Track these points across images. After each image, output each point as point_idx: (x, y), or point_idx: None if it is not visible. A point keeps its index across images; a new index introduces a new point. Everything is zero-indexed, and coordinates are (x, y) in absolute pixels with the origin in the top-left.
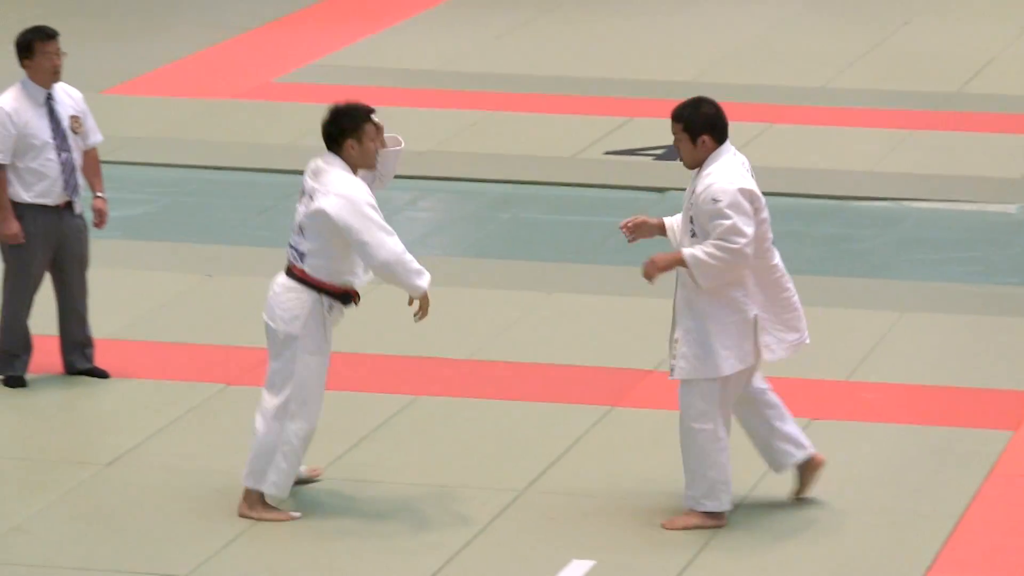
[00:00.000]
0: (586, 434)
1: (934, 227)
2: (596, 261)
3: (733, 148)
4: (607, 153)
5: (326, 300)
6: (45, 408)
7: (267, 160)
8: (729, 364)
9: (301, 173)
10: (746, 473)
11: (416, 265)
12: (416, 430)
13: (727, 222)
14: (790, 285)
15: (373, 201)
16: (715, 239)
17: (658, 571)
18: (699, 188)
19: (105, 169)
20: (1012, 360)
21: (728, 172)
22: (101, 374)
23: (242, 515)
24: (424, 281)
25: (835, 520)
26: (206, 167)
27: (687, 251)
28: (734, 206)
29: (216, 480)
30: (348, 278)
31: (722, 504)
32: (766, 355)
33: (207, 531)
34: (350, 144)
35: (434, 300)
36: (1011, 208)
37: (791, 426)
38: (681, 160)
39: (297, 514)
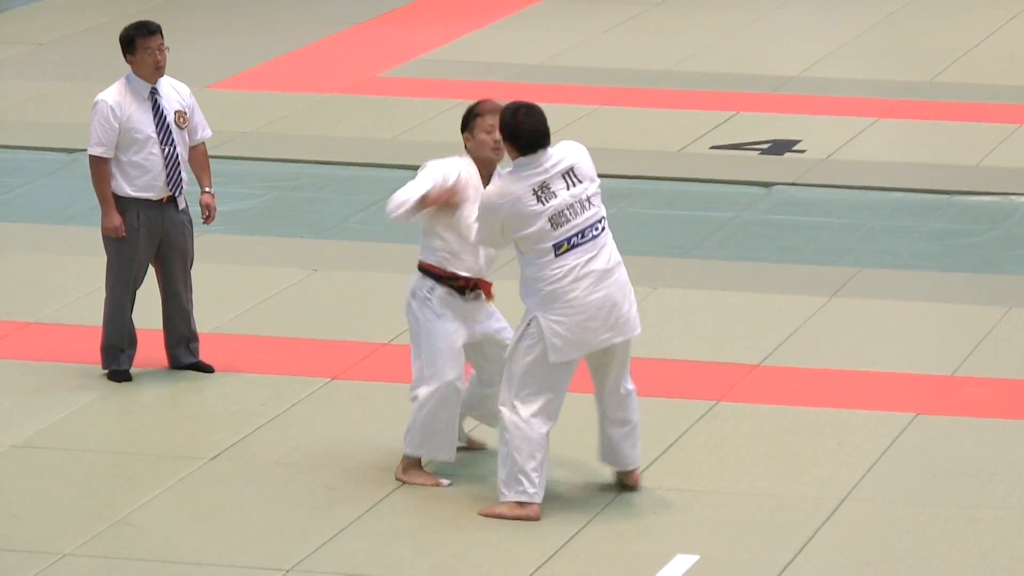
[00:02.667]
0: (691, 428)
1: None
2: (701, 256)
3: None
4: (713, 148)
5: (427, 281)
6: (151, 403)
7: (372, 155)
8: None
9: (407, 168)
10: (850, 469)
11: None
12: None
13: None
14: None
15: (439, 172)
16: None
17: (763, 566)
18: None
19: (212, 164)
20: None
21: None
22: (206, 368)
23: (397, 478)
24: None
25: (939, 514)
26: (311, 162)
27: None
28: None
29: (322, 475)
30: (442, 256)
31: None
32: None
33: (311, 526)
34: (465, 137)
35: None
36: None
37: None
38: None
39: (446, 481)
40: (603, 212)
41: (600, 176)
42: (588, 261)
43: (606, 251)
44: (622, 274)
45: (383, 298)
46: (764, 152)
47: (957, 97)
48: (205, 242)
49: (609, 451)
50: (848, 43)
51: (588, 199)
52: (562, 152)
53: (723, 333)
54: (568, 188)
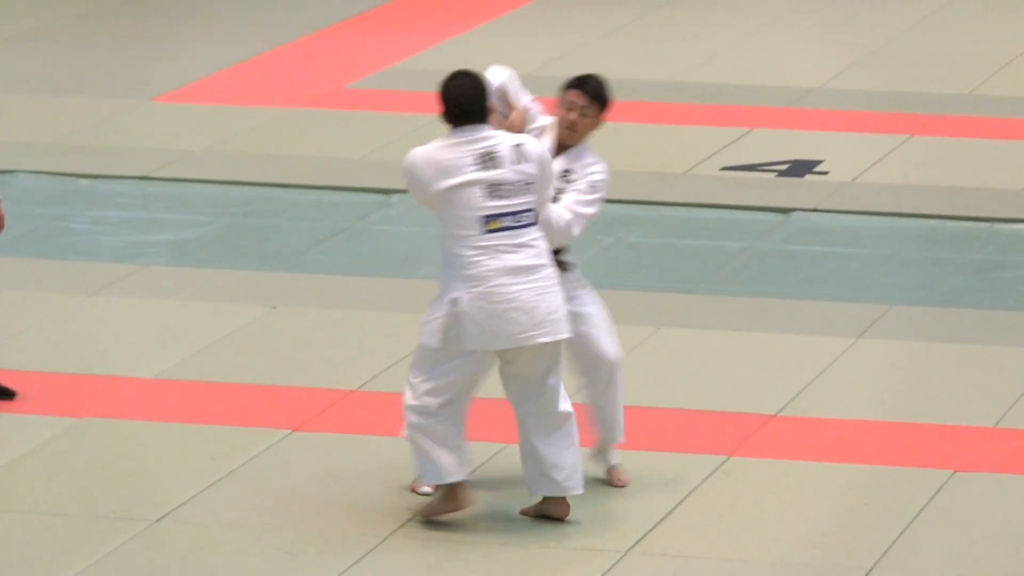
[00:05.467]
0: (699, 487)
1: None
2: (710, 291)
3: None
4: (724, 169)
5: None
6: (87, 457)
7: (338, 177)
8: None
9: (377, 191)
10: (880, 534)
11: None
12: (501, 482)
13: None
14: None
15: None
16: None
17: None
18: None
19: (155, 186)
20: None
21: None
22: (8, 394)
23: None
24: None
25: None
26: (269, 184)
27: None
28: None
29: (280, 538)
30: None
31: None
32: None
33: None
34: None
35: None
36: None
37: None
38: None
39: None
40: (534, 205)
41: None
42: (515, 248)
43: (535, 249)
44: (548, 273)
45: (350, 339)
46: (781, 174)
47: (999, 112)
48: (147, 275)
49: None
50: (876, 51)
51: (528, 184)
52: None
53: (735, 379)
54: (518, 163)
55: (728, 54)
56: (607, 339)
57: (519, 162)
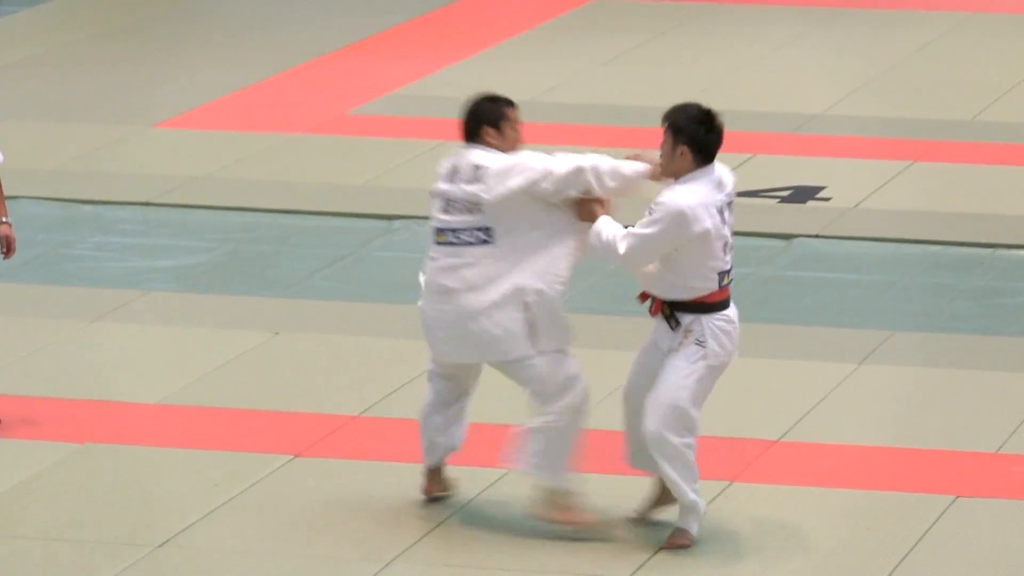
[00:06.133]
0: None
1: None
2: None
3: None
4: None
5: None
6: (87, 483)
7: (341, 203)
8: None
9: (379, 217)
10: (882, 559)
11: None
12: (501, 509)
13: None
14: None
15: None
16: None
17: None
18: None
19: (158, 212)
20: None
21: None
22: None
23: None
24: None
25: None
26: (272, 210)
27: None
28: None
29: (284, 565)
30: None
31: None
32: None
33: None
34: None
35: None
36: None
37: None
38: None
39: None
40: (488, 225)
41: None
42: (449, 269)
43: (471, 271)
44: (473, 299)
45: (353, 365)
46: (784, 200)
47: (1002, 138)
48: (150, 301)
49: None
50: (878, 77)
51: (477, 203)
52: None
53: (736, 405)
54: (468, 183)
55: (730, 80)
56: (650, 411)
57: (472, 182)
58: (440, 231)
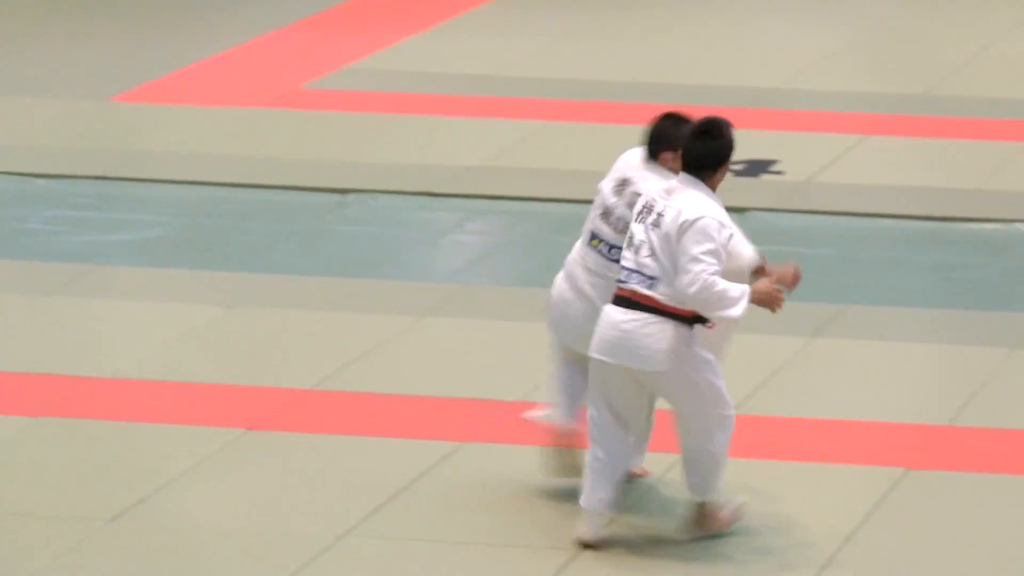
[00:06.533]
0: (656, 484)
1: None
2: None
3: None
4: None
5: (689, 330)
6: (37, 457)
7: (296, 177)
8: None
9: (335, 191)
10: (831, 533)
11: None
12: (462, 481)
13: None
14: None
15: (727, 222)
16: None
17: None
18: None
19: (113, 187)
20: None
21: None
22: None
23: (704, 529)
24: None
25: None
26: (227, 184)
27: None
28: None
29: (239, 540)
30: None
31: None
32: None
33: None
34: (724, 171)
35: (484, 335)
36: None
37: None
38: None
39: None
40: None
41: (551, 200)
42: (591, 274)
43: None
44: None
45: (307, 338)
46: (738, 173)
47: (957, 112)
48: (105, 275)
49: None
50: (833, 52)
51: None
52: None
53: None
54: (654, 225)
55: (686, 55)
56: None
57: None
58: (595, 237)
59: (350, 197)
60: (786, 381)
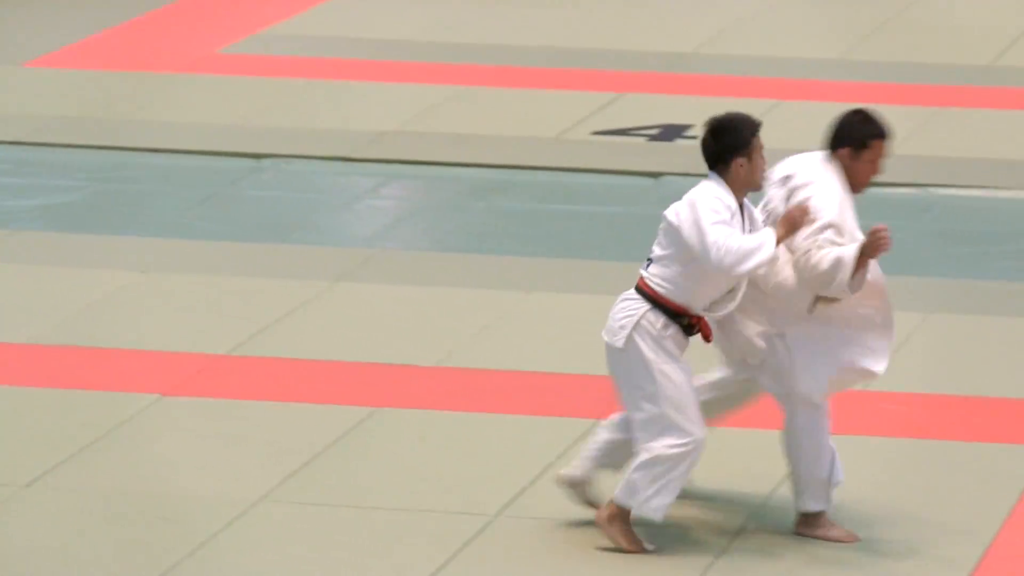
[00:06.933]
0: (570, 450)
1: (965, 217)
2: (582, 255)
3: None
4: (595, 133)
5: (659, 316)
6: None
7: (212, 142)
8: None
9: (250, 156)
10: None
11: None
12: (377, 446)
13: None
14: None
15: (722, 204)
16: None
17: None
18: None
19: (27, 152)
20: None
21: None
22: None
23: (598, 523)
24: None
25: (856, 550)
26: (141, 149)
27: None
28: None
29: (158, 505)
30: (689, 299)
31: None
32: None
33: (149, 565)
34: (738, 163)
35: (399, 300)
36: None
37: None
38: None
39: (651, 547)
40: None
41: (467, 165)
42: None
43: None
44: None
45: (220, 304)
46: (653, 138)
47: (871, 76)
48: (19, 241)
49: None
50: (745, 17)
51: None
52: None
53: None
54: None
55: (601, 20)
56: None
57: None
58: None
59: (265, 162)
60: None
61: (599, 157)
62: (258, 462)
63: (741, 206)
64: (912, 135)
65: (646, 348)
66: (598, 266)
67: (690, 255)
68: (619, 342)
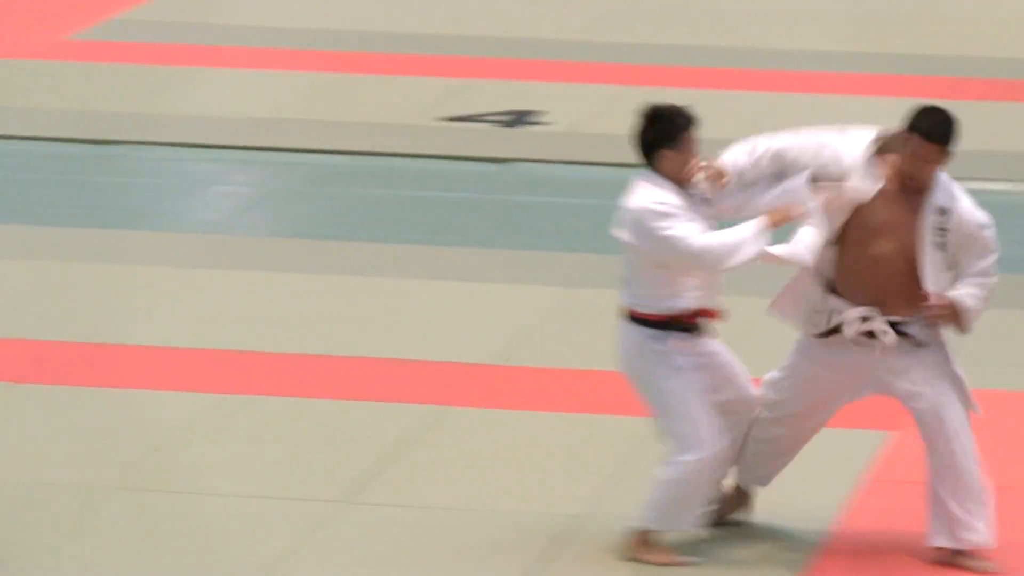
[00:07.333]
0: (421, 437)
1: None
2: (431, 242)
3: None
4: (444, 119)
5: (652, 332)
6: None
7: (56, 129)
8: None
9: (101, 143)
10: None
11: (738, 236)
12: (226, 433)
13: (995, 255)
14: None
15: (666, 207)
16: (982, 275)
17: None
18: (960, 211)
19: None
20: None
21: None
22: None
23: (633, 558)
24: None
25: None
26: None
27: (967, 302)
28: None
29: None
30: (669, 303)
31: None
32: None
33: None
34: (664, 155)
35: (249, 286)
36: None
37: None
38: (912, 181)
39: (693, 559)
40: None
41: (318, 152)
42: None
43: None
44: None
45: (67, 290)
46: (502, 124)
47: (720, 62)
48: None
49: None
50: (596, 4)
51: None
52: None
53: (451, 329)
54: None
55: (454, 6)
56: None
57: None
58: None
59: (114, 149)
60: (552, 331)
61: (448, 143)
62: (89, 451)
63: (686, 198)
64: (760, 120)
65: (646, 368)
66: (443, 252)
67: (653, 263)
68: (626, 370)
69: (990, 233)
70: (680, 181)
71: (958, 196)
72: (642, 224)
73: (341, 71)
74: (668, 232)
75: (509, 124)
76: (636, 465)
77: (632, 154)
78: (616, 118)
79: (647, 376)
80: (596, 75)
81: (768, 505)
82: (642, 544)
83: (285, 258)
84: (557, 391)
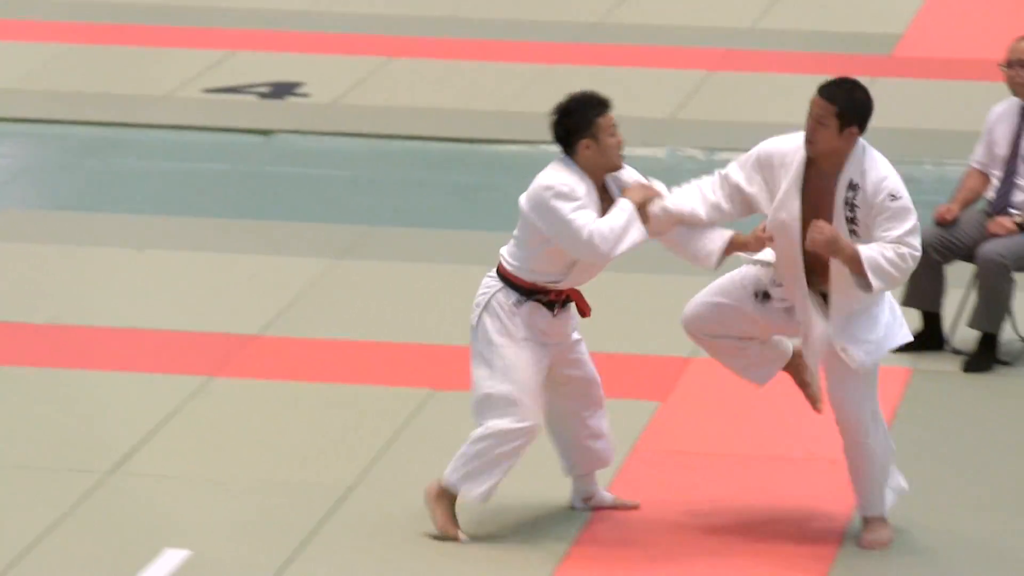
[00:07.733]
0: (183, 407)
1: None
2: (193, 214)
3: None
4: (206, 91)
5: (511, 294)
6: None
7: None
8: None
9: None
10: (363, 452)
11: (621, 221)
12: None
13: (910, 224)
14: None
15: (569, 189)
16: (895, 243)
17: (258, 563)
18: (867, 184)
19: None
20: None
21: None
22: None
23: (427, 502)
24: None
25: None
26: None
27: (866, 252)
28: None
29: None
30: (541, 277)
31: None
32: None
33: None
34: (584, 144)
35: (10, 258)
36: (660, 152)
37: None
38: (808, 145)
39: (464, 537)
40: None
41: (77, 123)
42: None
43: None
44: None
45: None
46: (263, 96)
47: (485, 34)
48: None
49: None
50: None
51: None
52: None
53: (218, 300)
54: None
55: None
56: None
57: None
58: None
59: None
60: (314, 303)
61: (210, 115)
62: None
63: (604, 188)
64: (520, 93)
65: (493, 328)
66: (210, 223)
67: (541, 238)
68: (472, 320)
69: (901, 203)
70: (606, 168)
71: (869, 169)
72: (542, 201)
73: (102, 43)
74: (565, 215)
75: (270, 96)
76: (408, 436)
77: (396, 125)
78: (376, 90)
79: (488, 331)
80: (356, 47)
81: (540, 478)
82: (439, 497)
83: (49, 231)
84: (324, 362)
